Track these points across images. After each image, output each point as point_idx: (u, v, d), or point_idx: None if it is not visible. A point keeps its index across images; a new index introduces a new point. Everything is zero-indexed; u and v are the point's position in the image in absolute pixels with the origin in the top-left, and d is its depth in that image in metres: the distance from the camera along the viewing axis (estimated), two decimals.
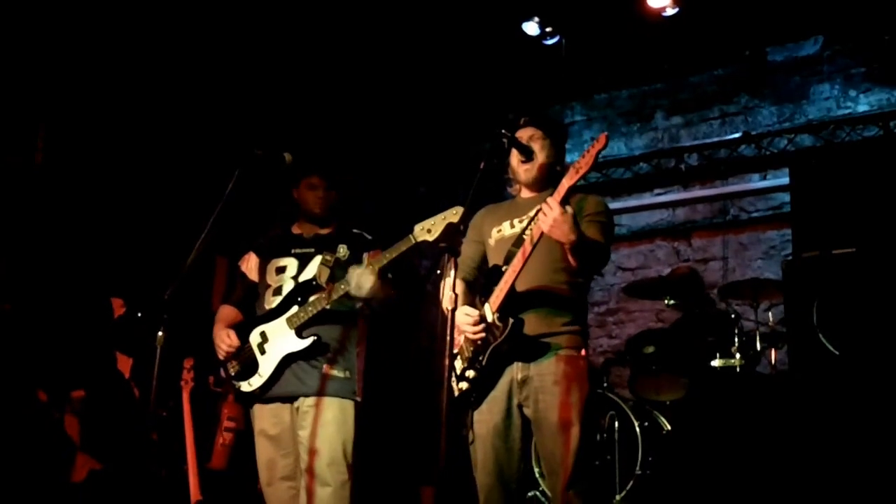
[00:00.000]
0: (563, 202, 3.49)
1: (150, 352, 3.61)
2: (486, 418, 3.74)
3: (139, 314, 5.83)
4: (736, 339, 5.64)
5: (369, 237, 4.58)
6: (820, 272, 5.30)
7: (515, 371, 3.72)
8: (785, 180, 6.55)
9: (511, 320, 3.64)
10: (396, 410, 6.84)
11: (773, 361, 5.74)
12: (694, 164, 7.29)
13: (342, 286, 4.22)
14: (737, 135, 7.10)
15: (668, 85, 7.58)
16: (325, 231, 4.57)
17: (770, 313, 5.89)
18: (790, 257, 5.93)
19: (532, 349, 3.70)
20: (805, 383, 5.17)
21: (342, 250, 4.46)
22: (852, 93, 6.81)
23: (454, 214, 3.96)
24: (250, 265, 4.62)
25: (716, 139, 7.23)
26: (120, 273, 5.92)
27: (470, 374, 3.77)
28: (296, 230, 4.62)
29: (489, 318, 3.70)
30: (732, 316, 5.76)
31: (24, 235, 5.48)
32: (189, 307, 4.49)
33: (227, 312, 4.60)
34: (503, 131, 3.78)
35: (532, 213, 3.67)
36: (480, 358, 3.73)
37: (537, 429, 3.68)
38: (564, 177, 3.54)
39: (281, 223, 4.69)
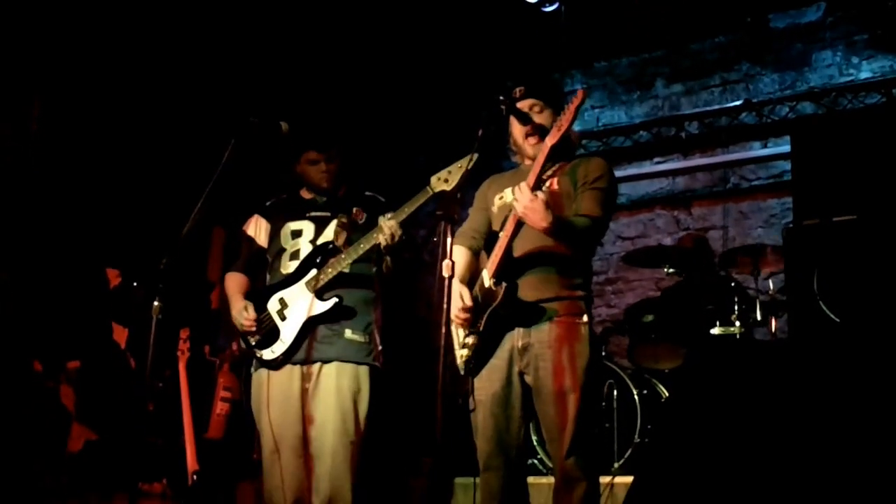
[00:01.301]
0: (545, 164, 3.52)
1: (146, 322, 3.59)
2: (486, 385, 3.73)
3: (135, 284, 5.80)
4: (736, 308, 5.62)
5: (383, 199, 4.53)
6: (821, 240, 5.27)
7: (516, 338, 3.70)
8: (786, 148, 6.50)
9: (505, 284, 3.62)
10: (395, 380, 6.83)
11: (773, 330, 5.73)
12: (694, 132, 7.25)
13: (364, 243, 4.18)
14: (738, 102, 7.05)
15: (669, 52, 7.51)
16: (337, 195, 4.52)
17: (770, 282, 5.87)
18: (791, 225, 5.89)
19: (532, 315, 3.68)
20: (805, 351, 5.14)
21: (357, 213, 4.42)
22: (855, 60, 6.76)
23: (470, 161, 3.93)
24: (259, 229, 4.56)
25: (716, 107, 7.18)
26: (115, 243, 5.88)
27: (469, 340, 3.76)
28: (305, 195, 4.57)
29: (486, 283, 3.68)
30: (732, 284, 5.73)
31: (20, 205, 5.43)
32: (185, 277, 4.47)
33: (237, 280, 4.53)
34: (501, 98, 3.75)
35: None
36: (478, 323, 3.71)
37: (537, 396, 3.66)
38: (547, 136, 3.52)
39: (288, 188, 4.64)
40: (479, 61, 7.40)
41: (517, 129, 3.89)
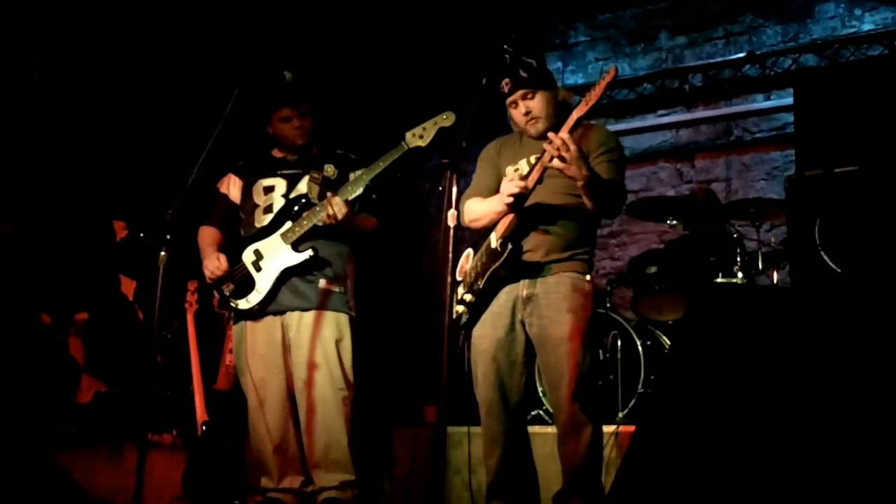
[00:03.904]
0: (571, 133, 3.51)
1: (154, 274, 3.62)
2: (489, 332, 3.78)
3: (142, 236, 5.81)
4: (738, 259, 5.64)
5: (353, 157, 4.56)
6: (822, 191, 5.28)
7: (521, 288, 3.75)
8: (789, 100, 6.47)
9: (510, 246, 3.66)
10: (399, 332, 6.88)
11: (774, 281, 5.76)
12: (698, 84, 7.22)
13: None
14: (741, 55, 7.02)
15: (673, 4, 7.46)
16: (309, 154, 4.55)
17: (772, 234, 5.90)
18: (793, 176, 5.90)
19: (536, 270, 3.73)
20: (807, 299, 5.17)
21: (329, 169, 4.45)
22: (857, 11, 6.72)
23: (445, 119, 3.99)
24: (231, 186, 4.60)
25: (720, 59, 7.14)
26: (122, 195, 5.89)
27: (468, 297, 3.81)
28: (277, 154, 4.60)
29: (493, 244, 3.72)
30: (735, 236, 5.75)
31: (25, 157, 5.44)
32: (191, 228, 4.49)
33: (211, 233, 4.56)
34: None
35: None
36: (479, 282, 3.76)
37: (540, 345, 3.71)
38: (574, 109, 3.52)
39: (261, 147, 4.66)
40: (482, 14, 7.34)
41: (521, 118, 3.90)
